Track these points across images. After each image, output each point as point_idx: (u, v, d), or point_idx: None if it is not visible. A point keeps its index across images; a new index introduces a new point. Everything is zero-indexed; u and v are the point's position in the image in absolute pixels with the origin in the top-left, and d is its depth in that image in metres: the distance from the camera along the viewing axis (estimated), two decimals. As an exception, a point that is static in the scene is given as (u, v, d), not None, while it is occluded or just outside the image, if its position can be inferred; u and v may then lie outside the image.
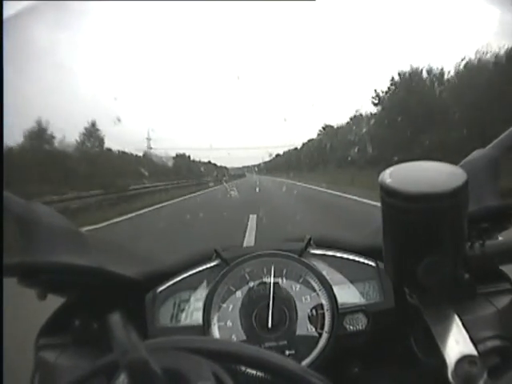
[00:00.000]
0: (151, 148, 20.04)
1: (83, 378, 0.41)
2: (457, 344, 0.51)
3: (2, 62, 0.71)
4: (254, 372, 0.60)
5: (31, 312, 0.83)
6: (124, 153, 19.40)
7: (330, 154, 21.53)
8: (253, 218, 7.09)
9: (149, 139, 19.93)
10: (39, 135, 14.26)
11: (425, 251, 0.52)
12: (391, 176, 0.50)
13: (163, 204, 12.25)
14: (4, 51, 0.70)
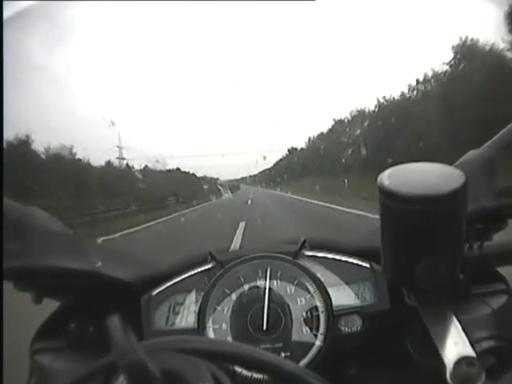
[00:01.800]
0: (123, 158, 19.29)
1: (81, 380, 0.41)
2: (455, 345, 0.51)
3: (2, 62, 0.71)
4: (251, 372, 0.60)
5: (27, 316, 0.82)
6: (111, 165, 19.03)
7: (324, 159, 21.46)
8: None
9: (120, 148, 19.01)
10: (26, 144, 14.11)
11: (423, 252, 0.52)
12: (389, 178, 0.50)
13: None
14: (5, 50, 0.70)
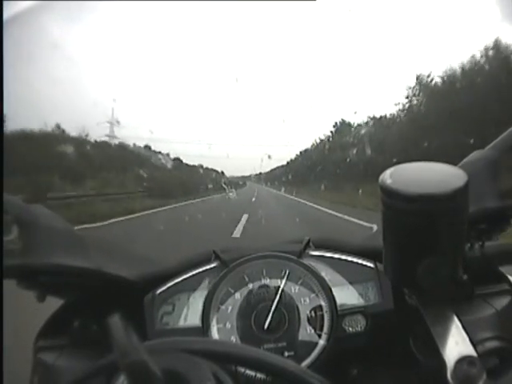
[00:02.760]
0: (114, 136, 19.10)
1: (82, 379, 0.41)
2: (456, 345, 0.51)
3: (2, 62, 0.71)
4: (253, 373, 0.60)
5: (30, 314, 0.83)
6: (124, 148, 18.89)
7: (329, 159, 21.37)
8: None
9: (111, 123, 18.83)
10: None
11: (425, 252, 0.52)
12: (391, 177, 0.50)
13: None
14: (5, 50, 0.70)
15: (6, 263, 0.60)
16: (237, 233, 6.66)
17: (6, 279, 0.63)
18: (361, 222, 7.68)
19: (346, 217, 9.47)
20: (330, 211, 11.39)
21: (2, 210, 0.62)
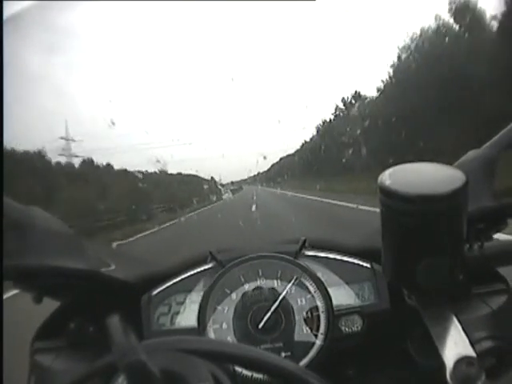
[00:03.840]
0: (70, 152, 18.56)
1: (81, 380, 0.41)
2: (455, 345, 0.51)
3: (2, 64, 0.71)
4: (251, 373, 0.60)
5: (27, 315, 0.82)
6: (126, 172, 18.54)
7: (325, 159, 21.42)
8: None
9: (67, 139, 18.33)
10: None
11: (423, 252, 0.52)
12: (390, 177, 0.50)
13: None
14: (5, 50, 0.70)
15: (3, 265, 0.59)
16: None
17: (3, 281, 0.62)
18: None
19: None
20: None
21: (2, 211, 0.62)
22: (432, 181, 0.49)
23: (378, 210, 0.53)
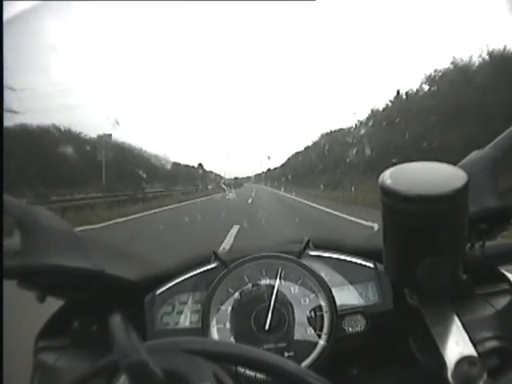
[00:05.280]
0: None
1: (83, 379, 0.41)
2: (457, 345, 0.51)
3: (2, 63, 0.71)
4: (253, 373, 0.60)
5: (30, 314, 0.83)
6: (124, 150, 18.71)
7: (329, 160, 21.36)
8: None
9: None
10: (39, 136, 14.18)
11: (424, 252, 0.52)
12: (391, 177, 0.50)
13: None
14: (5, 50, 0.70)
15: (6, 264, 0.60)
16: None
17: (7, 280, 0.63)
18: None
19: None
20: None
21: (3, 210, 0.62)
22: (433, 180, 0.48)
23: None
